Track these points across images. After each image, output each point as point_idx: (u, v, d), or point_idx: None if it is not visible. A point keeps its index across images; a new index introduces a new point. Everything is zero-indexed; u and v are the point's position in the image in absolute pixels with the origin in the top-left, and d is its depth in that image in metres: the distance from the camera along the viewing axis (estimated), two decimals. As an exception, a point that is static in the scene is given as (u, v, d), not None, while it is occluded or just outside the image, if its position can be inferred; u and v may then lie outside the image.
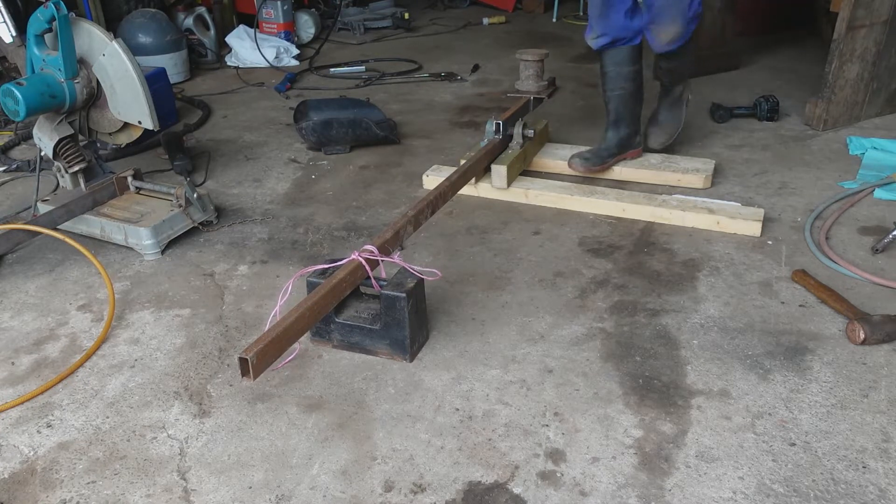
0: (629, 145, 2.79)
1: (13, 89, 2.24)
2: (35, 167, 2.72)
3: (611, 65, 2.67)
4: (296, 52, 4.74)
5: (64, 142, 2.44)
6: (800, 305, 2.01)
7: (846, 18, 2.97)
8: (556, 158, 2.88)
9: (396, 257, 1.88)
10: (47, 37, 2.34)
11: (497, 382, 1.77)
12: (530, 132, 2.80)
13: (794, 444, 1.55)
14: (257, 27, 4.73)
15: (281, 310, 1.74)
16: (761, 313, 1.98)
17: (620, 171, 2.77)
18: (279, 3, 4.78)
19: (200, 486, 1.51)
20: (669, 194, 2.60)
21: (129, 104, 2.39)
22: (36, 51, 2.33)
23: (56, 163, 2.50)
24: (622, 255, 2.30)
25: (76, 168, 2.48)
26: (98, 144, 2.77)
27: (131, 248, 2.41)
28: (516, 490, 1.47)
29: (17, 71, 2.86)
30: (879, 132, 3.14)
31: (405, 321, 1.80)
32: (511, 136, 2.78)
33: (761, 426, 1.60)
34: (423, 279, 1.87)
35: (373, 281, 1.83)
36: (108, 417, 1.71)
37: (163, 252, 2.40)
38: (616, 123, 2.73)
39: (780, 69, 4.08)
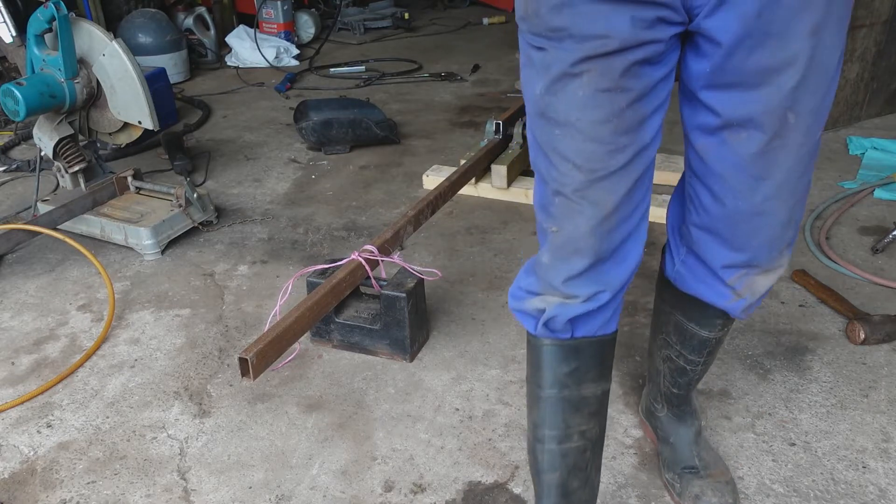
0: None
1: (13, 89, 2.24)
2: (35, 167, 2.72)
3: (572, 377, 1.19)
4: (296, 52, 4.74)
5: (64, 142, 2.44)
6: (800, 305, 2.01)
7: (846, 18, 2.97)
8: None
9: (396, 257, 1.88)
10: (47, 37, 2.34)
11: (497, 382, 1.77)
12: (530, 132, 2.80)
13: (794, 444, 1.55)
14: (257, 27, 4.72)
15: (281, 310, 1.74)
16: (761, 313, 1.98)
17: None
18: (279, 3, 4.78)
19: (200, 486, 1.51)
20: (669, 194, 2.60)
21: (129, 104, 2.39)
22: (36, 51, 2.33)
23: (56, 163, 2.49)
24: (622, 255, 2.29)
25: (76, 168, 2.48)
26: (98, 144, 2.77)
27: (131, 248, 2.41)
28: (516, 490, 1.47)
29: (17, 71, 2.86)
30: (879, 132, 3.13)
31: (405, 321, 1.80)
32: (511, 136, 2.78)
33: (761, 426, 1.60)
34: (423, 279, 1.87)
35: (373, 281, 1.83)
36: (108, 417, 1.71)
37: (163, 252, 2.40)
38: None
39: (780, 69, 4.07)
